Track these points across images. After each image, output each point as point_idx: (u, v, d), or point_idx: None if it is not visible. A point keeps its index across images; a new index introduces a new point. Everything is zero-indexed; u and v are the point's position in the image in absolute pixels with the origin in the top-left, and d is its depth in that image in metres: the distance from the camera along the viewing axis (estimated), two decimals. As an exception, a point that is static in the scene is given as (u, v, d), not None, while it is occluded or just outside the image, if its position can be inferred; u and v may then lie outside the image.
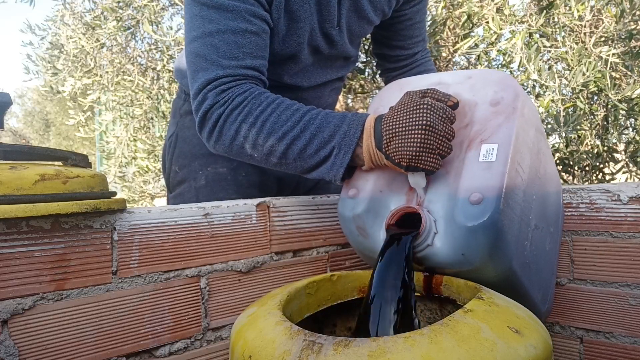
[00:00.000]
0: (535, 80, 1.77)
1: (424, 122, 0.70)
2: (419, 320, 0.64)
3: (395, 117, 0.73)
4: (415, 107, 0.72)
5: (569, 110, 1.79)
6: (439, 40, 2.06)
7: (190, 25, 0.89)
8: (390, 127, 0.73)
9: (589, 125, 1.91)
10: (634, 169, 1.86)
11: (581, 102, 1.73)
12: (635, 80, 1.73)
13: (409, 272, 0.65)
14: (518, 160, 0.71)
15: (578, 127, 1.76)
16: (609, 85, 1.65)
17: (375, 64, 2.02)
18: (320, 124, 0.80)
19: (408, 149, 0.70)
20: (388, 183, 0.79)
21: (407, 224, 0.73)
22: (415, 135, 0.70)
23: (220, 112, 0.84)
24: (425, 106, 0.71)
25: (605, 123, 1.90)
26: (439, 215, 0.71)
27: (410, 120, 0.71)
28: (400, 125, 0.72)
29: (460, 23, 1.99)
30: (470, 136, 0.74)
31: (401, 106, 0.74)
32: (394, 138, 0.72)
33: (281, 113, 0.82)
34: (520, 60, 1.72)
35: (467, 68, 2.21)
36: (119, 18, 2.60)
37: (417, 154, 0.70)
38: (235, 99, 0.84)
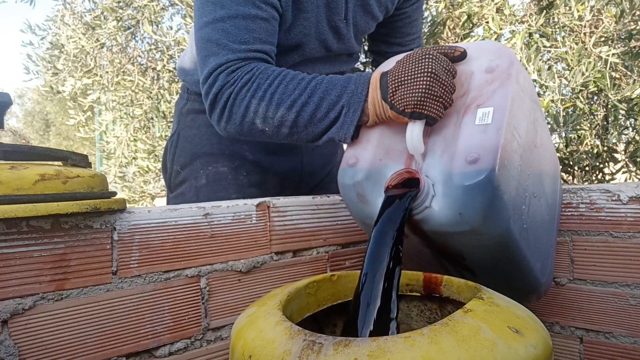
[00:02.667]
0: (535, 80, 1.77)
1: (429, 70, 0.72)
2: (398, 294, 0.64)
3: (400, 68, 0.76)
4: (420, 57, 0.75)
5: (569, 110, 1.79)
6: (439, 41, 2.06)
7: (202, 10, 0.91)
8: (396, 77, 0.75)
9: (588, 125, 1.91)
10: (634, 169, 1.86)
11: (581, 102, 1.73)
12: (635, 80, 1.73)
13: (400, 228, 0.66)
14: (514, 125, 0.72)
15: (578, 127, 1.77)
16: (609, 85, 1.65)
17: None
18: (326, 87, 0.82)
19: (413, 95, 0.72)
20: (387, 152, 0.80)
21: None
22: (420, 82, 0.72)
23: (230, 92, 0.87)
24: (429, 56, 0.74)
25: (605, 123, 1.90)
26: (437, 180, 0.72)
27: (415, 68, 0.74)
28: (406, 74, 0.74)
29: (460, 23, 1.99)
30: (466, 103, 0.75)
31: (406, 58, 0.77)
32: (400, 87, 0.74)
33: (288, 83, 0.84)
34: (520, 60, 1.72)
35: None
36: (119, 18, 2.60)
37: (422, 99, 0.72)
38: (244, 77, 0.86)
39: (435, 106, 0.73)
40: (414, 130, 0.74)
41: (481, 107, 0.72)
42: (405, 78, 0.74)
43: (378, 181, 0.77)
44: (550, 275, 0.91)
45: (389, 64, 0.86)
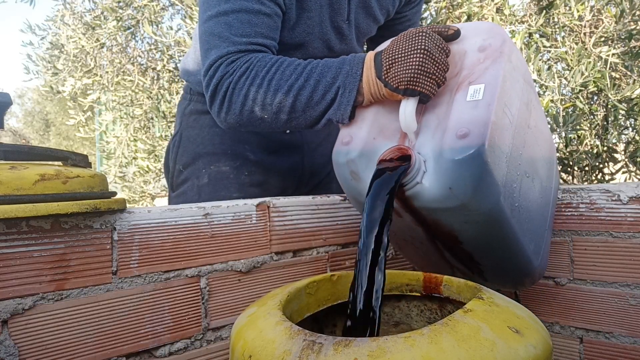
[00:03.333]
0: (535, 80, 1.77)
1: (422, 47, 0.73)
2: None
3: (394, 46, 0.77)
4: (413, 35, 0.76)
5: (569, 110, 1.79)
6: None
7: (207, 5, 0.92)
8: (390, 55, 0.76)
9: (588, 125, 1.91)
10: (634, 169, 1.86)
11: (581, 102, 1.73)
12: (635, 80, 1.73)
13: (389, 202, 0.66)
14: (505, 102, 0.72)
15: (577, 127, 1.77)
16: (609, 85, 1.65)
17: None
18: (322, 70, 0.83)
19: (406, 71, 0.73)
20: (381, 130, 0.80)
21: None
22: (414, 59, 0.73)
23: (229, 81, 0.88)
24: (423, 34, 0.75)
25: (605, 123, 1.90)
26: (428, 157, 0.73)
27: (409, 46, 0.75)
28: (399, 52, 0.75)
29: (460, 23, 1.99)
30: (459, 82, 0.76)
31: (400, 37, 0.78)
32: (394, 64, 0.75)
33: (285, 69, 0.85)
34: (520, 60, 1.71)
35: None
36: (119, 18, 2.60)
37: (415, 76, 0.73)
38: (242, 66, 0.87)
39: (428, 83, 0.74)
40: (407, 107, 0.75)
41: (473, 84, 0.73)
42: (399, 55, 0.75)
43: (371, 159, 0.78)
44: (544, 260, 0.91)
45: (384, 45, 0.87)
